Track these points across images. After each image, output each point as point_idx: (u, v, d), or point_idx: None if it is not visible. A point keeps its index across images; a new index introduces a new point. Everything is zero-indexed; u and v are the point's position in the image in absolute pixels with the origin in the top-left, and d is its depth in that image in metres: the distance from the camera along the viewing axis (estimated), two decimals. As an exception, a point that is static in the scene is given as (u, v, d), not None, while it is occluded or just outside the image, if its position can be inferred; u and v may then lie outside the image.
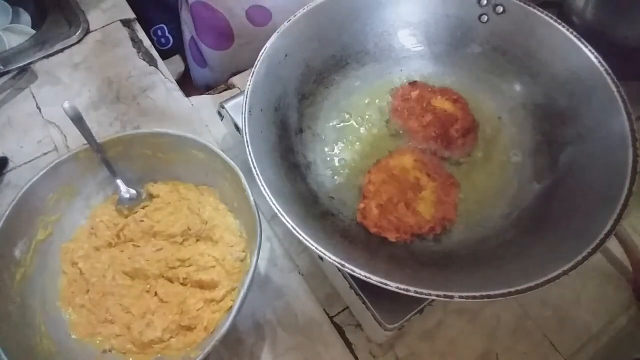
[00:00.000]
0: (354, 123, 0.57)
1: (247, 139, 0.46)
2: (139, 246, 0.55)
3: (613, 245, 0.59)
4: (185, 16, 0.83)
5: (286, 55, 0.53)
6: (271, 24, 0.75)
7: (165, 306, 0.51)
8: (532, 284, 0.38)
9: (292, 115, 0.55)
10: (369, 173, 0.52)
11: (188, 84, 0.90)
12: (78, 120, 0.52)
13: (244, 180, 0.50)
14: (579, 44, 0.50)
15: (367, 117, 0.58)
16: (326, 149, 0.56)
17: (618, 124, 0.46)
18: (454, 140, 0.53)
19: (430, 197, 0.50)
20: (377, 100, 0.59)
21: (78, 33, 0.77)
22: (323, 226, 0.47)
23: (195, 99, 0.73)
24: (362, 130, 0.57)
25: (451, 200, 0.50)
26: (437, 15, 0.58)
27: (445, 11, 0.57)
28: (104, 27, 0.79)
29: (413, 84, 0.57)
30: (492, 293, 0.37)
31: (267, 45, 0.51)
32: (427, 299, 0.47)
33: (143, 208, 0.57)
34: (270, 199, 0.43)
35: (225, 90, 0.75)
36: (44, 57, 0.75)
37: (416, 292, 0.38)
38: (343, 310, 0.56)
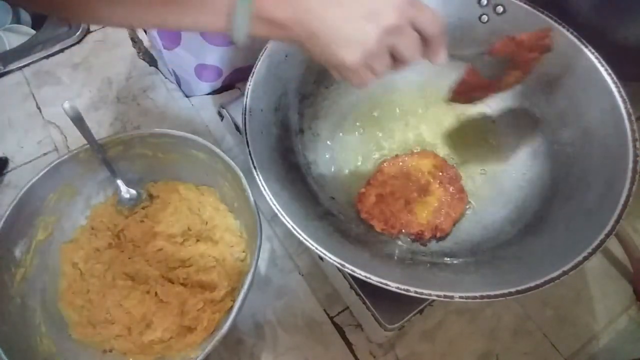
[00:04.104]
0: (354, 123, 0.57)
1: (247, 139, 0.46)
2: (139, 246, 0.55)
3: (613, 245, 0.59)
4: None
5: (286, 56, 0.53)
6: None
7: (166, 306, 0.51)
8: (532, 284, 0.38)
9: (292, 115, 0.55)
10: (383, 163, 0.52)
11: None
12: (78, 120, 0.52)
13: (244, 180, 0.50)
14: (579, 44, 0.50)
15: (367, 117, 0.58)
16: (326, 149, 0.56)
17: (618, 124, 0.46)
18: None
19: (433, 203, 0.49)
20: (377, 101, 0.59)
21: (78, 33, 0.77)
22: (323, 226, 0.47)
23: (195, 99, 0.73)
24: (362, 130, 0.57)
25: (453, 214, 0.49)
26: (437, 15, 0.58)
27: (445, 11, 0.57)
28: (104, 27, 0.79)
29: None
30: (492, 293, 0.37)
31: (267, 45, 0.51)
32: (427, 299, 0.47)
33: (143, 208, 0.57)
34: (270, 199, 0.43)
35: (225, 90, 0.75)
36: (44, 57, 0.75)
37: (416, 292, 0.38)
38: (343, 310, 0.56)
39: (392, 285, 0.38)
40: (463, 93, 0.51)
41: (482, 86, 0.50)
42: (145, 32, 0.78)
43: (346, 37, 0.32)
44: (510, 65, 0.48)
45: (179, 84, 0.73)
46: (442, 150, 0.55)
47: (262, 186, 0.43)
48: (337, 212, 0.51)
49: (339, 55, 0.32)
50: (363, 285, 0.47)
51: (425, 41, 0.36)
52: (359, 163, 0.55)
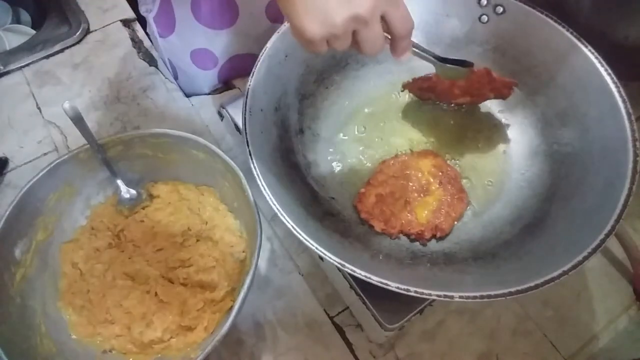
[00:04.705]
0: (354, 123, 0.57)
1: (247, 139, 0.46)
2: (139, 246, 0.55)
3: (613, 245, 0.59)
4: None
5: (286, 55, 0.53)
6: None
7: (165, 306, 0.51)
8: (532, 284, 0.38)
9: (292, 115, 0.55)
10: (383, 163, 0.52)
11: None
12: (78, 120, 0.52)
13: (244, 180, 0.50)
14: (579, 44, 0.50)
15: (367, 117, 0.58)
16: (326, 149, 0.56)
17: (618, 124, 0.46)
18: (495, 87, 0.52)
19: (433, 203, 0.49)
20: (377, 101, 0.59)
21: (78, 33, 0.77)
22: (323, 226, 0.47)
23: (195, 99, 0.73)
24: (362, 130, 0.57)
25: (453, 214, 0.49)
26: (437, 15, 0.58)
27: (445, 11, 0.57)
28: (104, 27, 0.79)
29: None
30: (492, 293, 0.37)
31: (267, 45, 0.51)
32: (427, 299, 0.47)
33: (143, 208, 0.57)
34: (270, 199, 0.43)
35: (225, 90, 0.75)
36: (44, 57, 0.75)
37: (416, 292, 0.38)
38: (343, 310, 0.56)
39: (392, 285, 0.38)
40: (419, 88, 0.55)
41: (438, 92, 0.54)
42: (144, 29, 0.78)
43: (314, 9, 0.32)
44: (464, 90, 0.52)
45: (176, 77, 0.73)
46: (442, 150, 0.55)
47: (262, 186, 0.43)
48: (337, 212, 0.51)
49: (302, 23, 0.33)
50: (363, 285, 0.47)
51: (391, 37, 0.36)
52: (359, 163, 0.55)
